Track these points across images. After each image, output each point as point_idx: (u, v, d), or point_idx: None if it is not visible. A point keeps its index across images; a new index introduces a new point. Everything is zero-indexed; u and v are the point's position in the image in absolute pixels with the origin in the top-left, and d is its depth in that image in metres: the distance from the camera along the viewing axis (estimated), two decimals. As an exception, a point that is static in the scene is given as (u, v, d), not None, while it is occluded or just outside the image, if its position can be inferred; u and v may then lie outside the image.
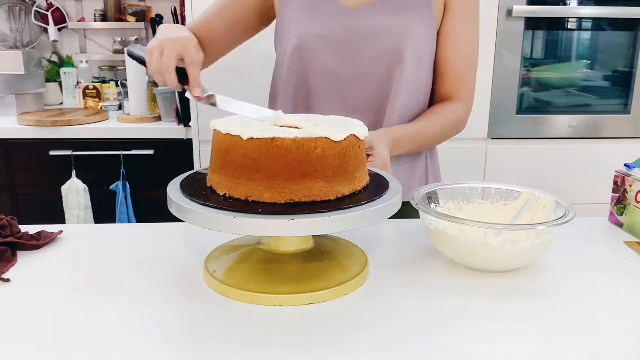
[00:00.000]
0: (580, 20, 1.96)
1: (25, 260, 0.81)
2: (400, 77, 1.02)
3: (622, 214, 0.97)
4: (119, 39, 2.58)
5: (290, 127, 0.75)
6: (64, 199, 2.05)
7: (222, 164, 0.71)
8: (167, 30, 0.94)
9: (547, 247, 0.77)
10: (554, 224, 0.74)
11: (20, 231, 0.86)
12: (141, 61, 0.95)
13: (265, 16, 1.11)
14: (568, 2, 1.94)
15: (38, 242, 0.85)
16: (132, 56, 0.98)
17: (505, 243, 0.74)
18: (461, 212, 0.89)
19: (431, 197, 0.86)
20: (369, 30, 1.01)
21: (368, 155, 0.90)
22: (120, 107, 2.40)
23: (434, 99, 1.11)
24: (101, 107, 2.41)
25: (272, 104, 1.14)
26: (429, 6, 1.03)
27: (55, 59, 2.59)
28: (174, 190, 0.72)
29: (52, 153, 2.03)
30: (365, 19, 1.01)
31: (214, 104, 0.87)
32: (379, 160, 0.89)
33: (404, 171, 1.07)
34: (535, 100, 2.01)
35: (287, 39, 1.05)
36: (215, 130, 0.73)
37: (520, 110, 1.96)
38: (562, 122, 1.98)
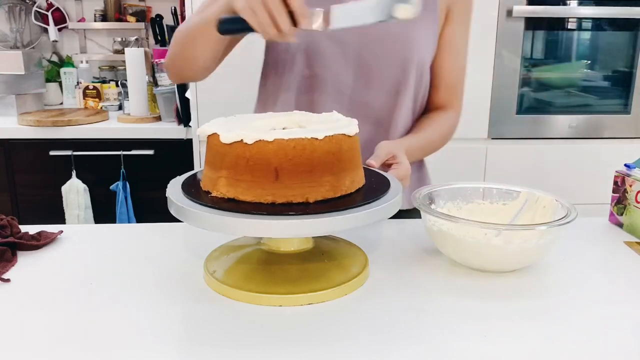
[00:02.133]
0: (580, 20, 1.96)
1: (25, 260, 0.81)
2: (406, 87, 1.01)
3: (622, 214, 0.97)
4: (119, 39, 2.58)
5: (285, 127, 0.75)
6: (64, 199, 2.05)
7: (219, 165, 0.70)
8: None
9: (549, 247, 0.77)
10: (557, 224, 0.74)
11: (20, 231, 0.86)
12: (240, 29, 0.80)
13: None
14: (568, 2, 1.94)
15: (38, 242, 0.85)
16: (227, 30, 0.83)
17: (508, 243, 0.74)
18: (460, 212, 0.88)
19: (431, 197, 0.86)
20: (378, 35, 0.99)
21: (390, 164, 0.90)
22: (120, 107, 2.40)
23: (427, 106, 1.10)
24: (101, 107, 2.41)
25: (263, 105, 1.10)
26: (434, 14, 1.01)
27: (55, 59, 2.59)
28: (173, 190, 0.72)
29: (52, 153, 2.03)
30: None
31: (326, 25, 0.78)
32: (403, 170, 0.88)
33: (413, 181, 1.04)
34: (535, 100, 2.01)
35: None
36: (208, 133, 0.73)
37: (520, 110, 1.96)
38: (562, 122, 1.98)
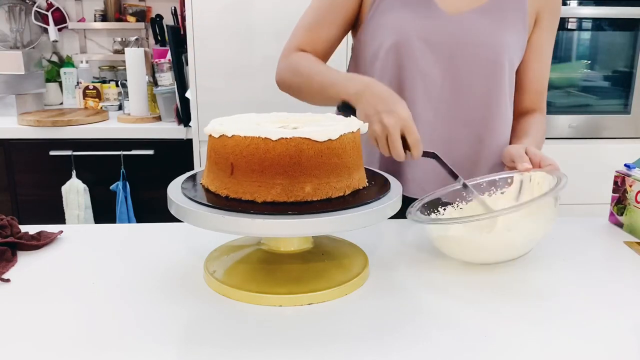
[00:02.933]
0: (580, 20, 1.96)
1: (25, 260, 0.81)
2: (500, 91, 1.02)
3: (622, 214, 0.97)
4: (119, 39, 2.58)
5: (286, 126, 0.75)
6: (64, 199, 2.05)
7: (220, 165, 0.71)
8: (381, 102, 0.86)
9: (551, 223, 0.78)
10: (556, 191, 0.74)
11: (20, 231, 0.86)
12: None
13: (355, 16, 1.07)
14: (568, 2, 1.94)
15: (38, 242, 0.85)
16: (346, 113, 0.90)
17: (516, 224, 0.76)
18: (462, 212, 0.88)
19: (428, 207, 0.86)
20: (469, 38, 0.99)
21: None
22: (120, 107, 2.40)
23: (514, 110, 1.10)
24: (101, 107, 2.41)
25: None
26: (524, 18, 1.02)
27: (55, 59, 2.59)
28: (174, 190, 0.72)
29: (52, 153, 2.03)
30: (465, 26, 0.99)
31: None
32: (555, 164, 0.88)
33: None
34: (535, 100, 2.01)
35: (382, 36, 1.01)
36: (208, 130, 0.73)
37: (520, 110, 1.96)
38: (562, 122, 1.98)
